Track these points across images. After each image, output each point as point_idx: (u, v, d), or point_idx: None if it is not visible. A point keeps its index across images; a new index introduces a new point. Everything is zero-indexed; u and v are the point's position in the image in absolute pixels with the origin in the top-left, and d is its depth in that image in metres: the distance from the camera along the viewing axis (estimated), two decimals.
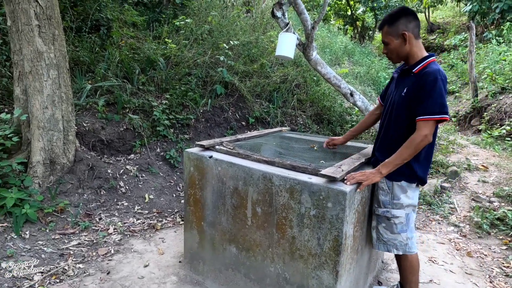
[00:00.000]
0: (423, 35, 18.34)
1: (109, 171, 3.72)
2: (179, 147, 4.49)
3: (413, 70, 1.93)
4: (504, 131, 5.93)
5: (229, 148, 2.36)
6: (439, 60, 12.14)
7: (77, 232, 2.98)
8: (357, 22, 18.33)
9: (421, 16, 19.87)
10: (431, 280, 2.60)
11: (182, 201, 3.85)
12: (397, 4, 16.81)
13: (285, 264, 1.98)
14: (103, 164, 3.72)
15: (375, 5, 16.00)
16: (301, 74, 6.09)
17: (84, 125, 3.81)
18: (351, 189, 1.76)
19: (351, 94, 4.14)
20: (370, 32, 18.29)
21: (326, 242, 1.81)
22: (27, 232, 2.81)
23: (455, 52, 12.07)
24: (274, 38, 6.29)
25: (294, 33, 3.69)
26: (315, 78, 6.23)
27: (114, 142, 4.03)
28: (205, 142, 2.44)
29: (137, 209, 3.52)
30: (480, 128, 6.74)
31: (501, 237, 3.19)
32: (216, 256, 2.36)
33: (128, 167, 3.91)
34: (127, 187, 3.72)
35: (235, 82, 5.18)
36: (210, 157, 2.28)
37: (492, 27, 11.14)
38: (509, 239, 3.12)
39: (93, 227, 3.09)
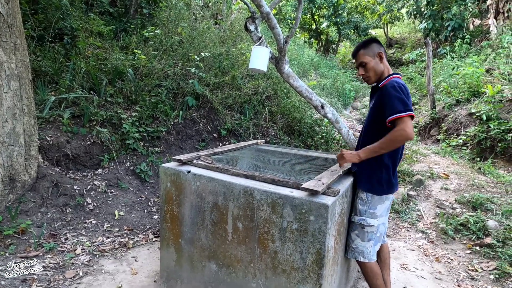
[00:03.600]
0: None
1: (75, 187, 3.52)
2: (149, 160, 4.36)
3: (379, 85, 2.11)
4: (460, 140, 6.34)
5: (207, 162, 2.33)
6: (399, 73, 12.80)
7: (41, 254, 2.78)
8: (322, 36, 18.99)
9: (380, 31, 21.04)
10: (404, 287, 2.68)
11: (155, 216, 3.72)
12: (358, 20, 17.70)
13: (268, 280, 1.96)
14: (68, 180, 3.52)
15: (338, 20, 16.72)
16: (271, 86, 6.17)
17: (48, 139, 3.60)
18: (332, 201, 1.79)
19: (322, 107, 4.24)
20: (334, 45, 18.99)
21: (309, 255, 1.82)
22: None
23: (413, 66, 12.81)
24: (244, 50, 6.35)
25: (266, 46, 3.74)
26: (285, 90, 6.34)
27: (80, 157, 3.83)
28: (182, 157, 2.39)
29: (107, 227, 3.35)
30: (439, 138, 7.16)
31: (464, 242, 3.38)
32: (195, 274, 2.29)
33: (95, 182, 3.73)
34: (95, 204, 3.54)
35: (207, 94, 5.15)
36: (188, 172, 2.23)
37: (446, 43, 11.96)
38: (472, 243, 3.31)
39: (59, 248, 2.89)
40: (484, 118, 6.11)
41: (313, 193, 1.82)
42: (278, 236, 1.91)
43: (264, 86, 6.00)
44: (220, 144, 5.31)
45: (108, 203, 3.63)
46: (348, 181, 2.19)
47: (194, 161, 2.37)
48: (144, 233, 3.37)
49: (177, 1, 7.22)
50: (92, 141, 3.95)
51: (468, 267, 2.98)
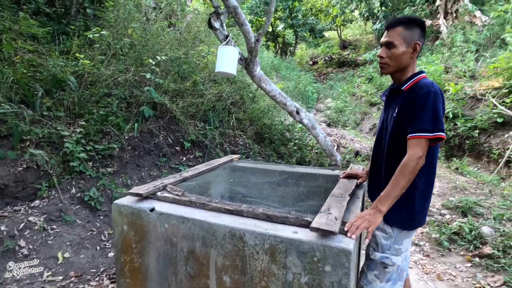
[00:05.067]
0: (338, 51, 19.68)
1: (2, 227, 2.77)
2: (101, 184, 3.66)
3: (402, 88, 1.66)
4: None
5: (177, 194, 1.78)
6: (358, 74, 12.95)
7: None
8: (278, 38, 18.88)
9: (334, 33, 21.43)
10: None
11: (110, 254, 3.07)
12: (313, 22, 17.81)
13: None
14: None
15: (294, 22, 16.68)
16: (237, 91, 5.68)
17: None
18: (353, 245, 1.34)
19: (297, 112, 3.85)
20: (291, 47, 18.97)
21: None
22: None
23: (370, 67, 12.99)
24: (205, 53, 5.80)
25: (234, 46, 3.26)
26: (251, 95, 5.88)
27: (9, 187, 3.07)
28: (141, 189, 1.82)
29: (47, 276, 2.64)
30: None
31: (462, 253, 3.12)
32: None
33: (31, 218, 2.99)
34: (31, 247, 2.81)
35: (166, 102, 4.54)
36: (152, 210, 1.67)
37: None
38: (470, 254, 3.06)
39: None
40: (451, 115, 6.10)
41: (326, 234, 1.36)
42: None
43: (228, 91, 5.50)
44: (184, 158, 4.72)
45: (49, 244, 2.91)
46: (357, 207, 1.77)
47: (159, 194, 1.82)
48: (97, 279, 2.71)
49: (126, 1, 6.50)
50: (25, 166, 3.20)
51: (474, 283, 2.70)
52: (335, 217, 1.46)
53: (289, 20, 16.71)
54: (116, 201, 1.77)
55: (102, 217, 3.49)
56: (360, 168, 2.32)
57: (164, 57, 4.61)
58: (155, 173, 4.31)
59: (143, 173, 4.22)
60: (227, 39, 3.15)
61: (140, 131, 4.37)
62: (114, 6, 6.02)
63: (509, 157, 4.85)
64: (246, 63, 3.37)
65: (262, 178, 2.31)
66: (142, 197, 1.77)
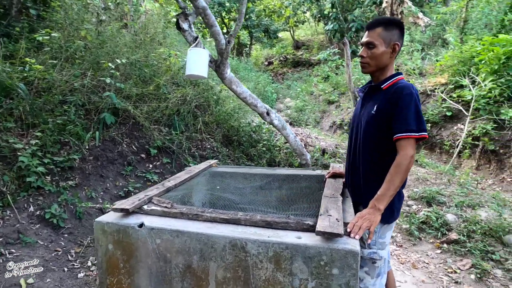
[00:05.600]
0: (292, 51, 20.12)
1: None
2: (62, 199, 3.36)
3: (382, 86, 1.71)
4: None
5: (165, 207, 1.68)
6: (314, 73, 13.31)
7: None
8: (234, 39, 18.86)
9: (287, 34, 21.88)
10: None
11: (80, 275, 2.83)
12: (267, 23, 18.03)
13: None
14: None
15: (249, 23, 16.75)
16: (200, 94, 5.55)
17: None
18: (359, 246, 1.35)
19: (268, 113, 3.85)
20: (247, 48, 19.03)
21: None
22: None
23: (325, 66, 13.42)
24: (166, 55, 5.59)
25: (203, 48, 3.17)
26: (215, 97, 5.78)
27: None
28: (127, 204, 1.68)
29: None
30: None
31: (431, 241, 3.31)
32: None
33: None
34: None
35: (129, 107, 4.30)
36: (141, 225, 1.56)
37: (351, 43, 12.80)
38: (439, 241, 3.25)
39: None
40: None
41: (332, 236, 1.35)
42: None
43: (192, 94, 5.35)
44: (151, 166, 4.52)
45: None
46: (349, 206, 1.78)
47: (145, 207, 1.70)
48: None
49: (73, 1, 6.06)
50: None
51: (446, 269, 2.87)
52: (336, 219, 1.45)
53: (243, 21, 16.76)
54: (98, 219, 1.62)
55: (66, 235, 3.21)
56: (341, 166, 2.37)
57: (124, 60, 4.36)
58: (121, 183, 4.06)
59: (108, 184, 3.96)
60: (196, 41, 3.05)
61: (102, 140, 4.10)
62: (61, 7, 5.59)
63: (460, 147, 5.26)
64: (217, 65, 3.30)
65: (247, 183, 2.26)
66: (128, 213, 1.64)
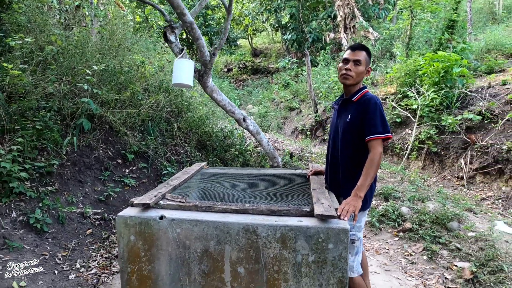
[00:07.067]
0: (250, 58, 20.64)
1: None
2: (44, 204, 3.38)
3: (353, 99, 2.12)
4: None
5: (180, 201, 1.91)
6: (275, 80, 13.85)
7: None
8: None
9: (245, 42, 22.40)
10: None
11: (71, 276, 2.90)
12: (229, 31, 18.37)
13: None
14: None
15: (209, 30, 16.97)
16: (172, 100, 5.70)
17: None
18: (348, 225, 1.70)
19: (244, 119, 4.15)
20: None
21: (330, 286, 1.69)
22: None
23: (284, 74, 14.04)
24: (139, 62, 5.67)
25: (188, 59, 3.41)
26: (186, 103, 5.96)
27: None
28: (146, 198, 1.89)
29: None
30: (324, 138, 8.00)
31: (390, 230, 3.81)
32: None
33: None
34: None
35: (107, 114, 4.37)
36: (161, 217, 1.78)
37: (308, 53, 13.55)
38: (396, 230, 3.76)
39: None
40: None
41: (327, 218, 1.69)
42: (292, 273, 1.70)
43: (164, 100, 5.49)
44: (127, 171, 4.60)
45: None
46: (333, 196, 2.15)
47: (161, 202, 1.92)
48: None
49: (31, 2, 5.88)
50: None
51: (403, 253, 3.37)
52: (329, 205, 1.80)
53: (203, 28, 16.93)
54: (120, 213, 1.81)
55: (51, 240, 3.25)
56: (319, 166, 2.75)
57: (103, 67, 4.43)
58: (99, 188, 4.12)
59: (87, 189, 4.00)
60: (182, 53, 3.28)
61: (78, 145, 4.12)
62: (21, 9, 5.43)
63: (409, 150, 5.95)
64: (200, 75, 3.54)
65: (240, 181, 2.54)
66: (148, 207, 1.85)
